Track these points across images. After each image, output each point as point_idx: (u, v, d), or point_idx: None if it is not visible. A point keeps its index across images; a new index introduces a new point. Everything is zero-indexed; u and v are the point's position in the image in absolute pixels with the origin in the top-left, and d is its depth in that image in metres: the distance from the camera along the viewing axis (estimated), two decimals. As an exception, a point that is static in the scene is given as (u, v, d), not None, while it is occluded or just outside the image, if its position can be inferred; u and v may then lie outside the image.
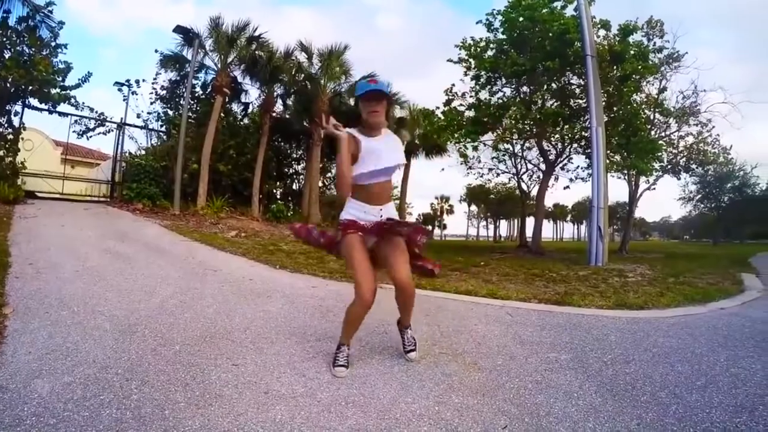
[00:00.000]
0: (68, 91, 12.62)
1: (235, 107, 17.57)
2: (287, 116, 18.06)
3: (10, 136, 11.85)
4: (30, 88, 11.68)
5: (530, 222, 18.57)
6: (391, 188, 2.68)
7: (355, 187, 2.47)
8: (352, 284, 2.43)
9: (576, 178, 17.09)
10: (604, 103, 11.14)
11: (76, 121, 13.78)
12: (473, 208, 60.17)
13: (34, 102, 12.26)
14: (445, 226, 66.86)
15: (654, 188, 18.13)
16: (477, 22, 13.20)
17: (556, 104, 13.35)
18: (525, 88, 13.77)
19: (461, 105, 14.37)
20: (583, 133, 13.11)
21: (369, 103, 2.40)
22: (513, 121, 14.21)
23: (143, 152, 15.31)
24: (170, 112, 16.40)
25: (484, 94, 13.99)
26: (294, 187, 20.23)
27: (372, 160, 2.42)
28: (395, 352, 2.79)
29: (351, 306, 2.45)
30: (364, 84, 2.43)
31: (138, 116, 16.03)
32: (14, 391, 1.95)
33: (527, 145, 16.98)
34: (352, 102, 18.10)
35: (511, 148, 17.79)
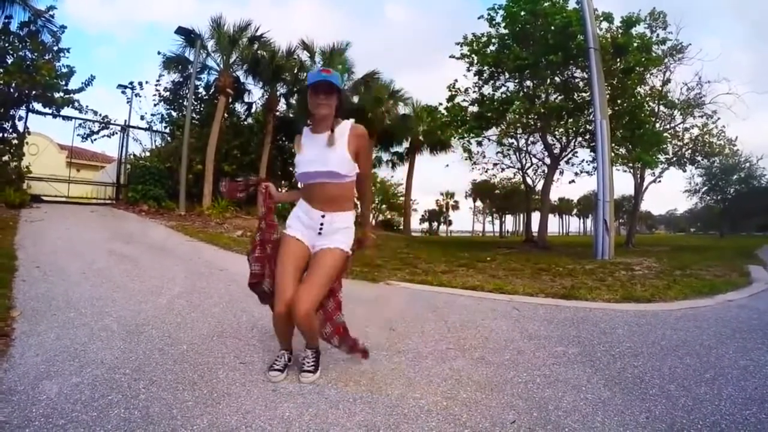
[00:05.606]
0: (71, 95, 12.70)
1: (239, 107, 17.66)
2: (291, 115, 18.10)
3: (15, 141, 11.93)
4: (33, 92, 11.77)
5: (536, 216, 18.59)
6: (345, 195, 2.30)
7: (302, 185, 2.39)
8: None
9: (581, 172, 17.09)
10: (608, 96, 11.08)
11: (80, 125, 13.91)
12: (478, 203, 60.06)
13: (37, 106, 12.35)
14: (450, 222, 67.01)
15: (659, 181, 18.11)
16: (479, 17, 13.16)
17: (559, 98, 13.29)
18: (528, 83, 13.73)
19: (464, 101, 14.34)
20: (588, 126, 13.05)
21: (317, 95, 2.16)
22: (517, 116, 14.18)
23: (147, 154, 15.40)
24: (174, 114, 16.52)
25: (487, 89, 14.00)
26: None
27: (304, 161, 2.25)
28: (402, 348, 2.78)
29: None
30: (315, 73, 2.18)
31: (142, 118, 16.23)
32: (23, 393, 1.95)
33: (532, 139, 16.95)
34: (356, 99, 18.11)
35: (515, 143, 17.76)
